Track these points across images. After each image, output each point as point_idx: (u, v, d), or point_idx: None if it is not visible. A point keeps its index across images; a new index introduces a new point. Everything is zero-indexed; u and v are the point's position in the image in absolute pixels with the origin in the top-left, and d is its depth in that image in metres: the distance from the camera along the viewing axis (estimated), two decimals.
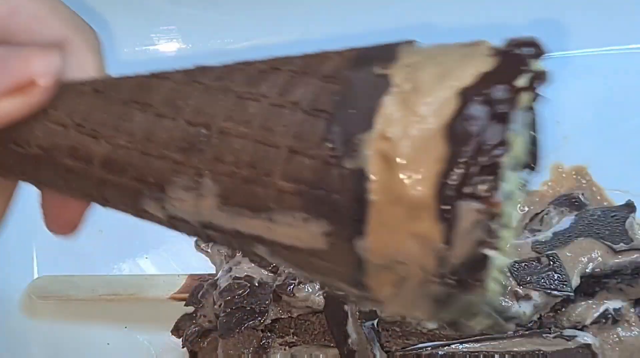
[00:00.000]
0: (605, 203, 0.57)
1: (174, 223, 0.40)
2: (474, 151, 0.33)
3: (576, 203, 0.54)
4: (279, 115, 0.38)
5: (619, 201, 0.55)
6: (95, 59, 0.41)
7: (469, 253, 0.32)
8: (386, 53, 0.40)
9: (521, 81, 0.35)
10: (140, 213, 0.41)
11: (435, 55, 0.38)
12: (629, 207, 0.51)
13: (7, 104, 0.36)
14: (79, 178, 0.41)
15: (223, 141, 0.39)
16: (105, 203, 0.42)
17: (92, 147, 0.41)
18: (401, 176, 0.34)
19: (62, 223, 0.45)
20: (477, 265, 0.32)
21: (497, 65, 0.35)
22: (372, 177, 0.35)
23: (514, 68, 0.35)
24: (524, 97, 0.35)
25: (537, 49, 0.38)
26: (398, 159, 0.35)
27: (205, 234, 0.42)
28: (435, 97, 0.36)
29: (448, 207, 0.33)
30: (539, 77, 0.37)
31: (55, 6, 0.39)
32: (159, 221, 0.41)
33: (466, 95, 0.35)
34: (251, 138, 0.38)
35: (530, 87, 0.35)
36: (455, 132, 0.34)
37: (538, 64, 0.37)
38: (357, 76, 0.38)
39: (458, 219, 0.32)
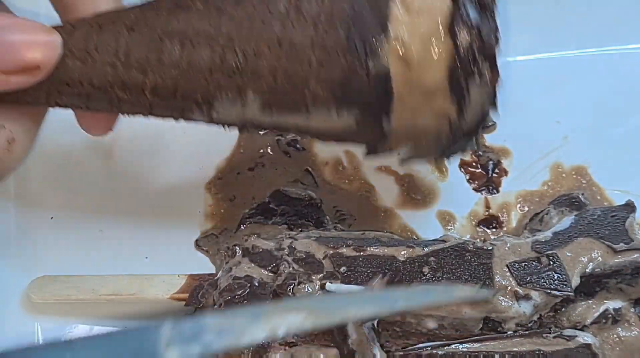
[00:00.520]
0: (605, 203, 0.57)
1: (216, 123, 0.47)
2: (474, 40, 0.43)
3: (576, 203, 0.54)
4: (303, 32, 0.44)
5: (619, 201, 0.55)
6: None
7: (478, 116, 0.44)
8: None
9: None
10: (185, 120, 0.48)
11: None
12: (629, 207, 0.51)
13: (15, 79, 0.41)
14: (131, 104, 0.47)
15: (259, 62, 0.45)
16: (151, 116, 0.48)
17: (141, 80, 0.46)
18: (417, 69, 0.43)
19: (97, 130, 0.50)
20: (482, 122, 0.45)
21: None
22: (393, 73, 0.43)
23: None
24: None
25: None
26: (412, 56, 0.43)
27: (244, 127, 0.48)
28: None
29: (460, 87, 0.43)
30: None
31: None
32: (201, 122, 0.48)
33: None
34: (283, 55, 0.45)
35: None
36: (456, 26, 0.43)
37: None
38: None
39: (469, 93, 0.44)
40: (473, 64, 0.44)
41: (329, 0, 0.45)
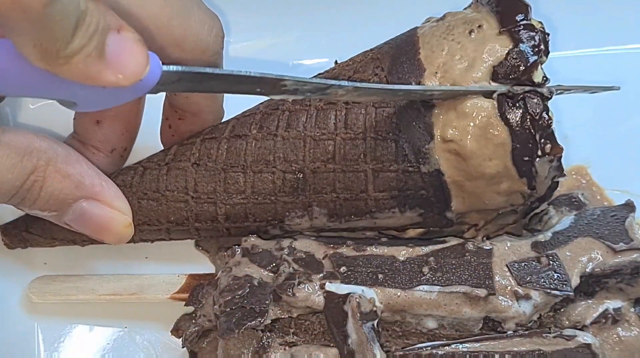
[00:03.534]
0: (605, 203, 0.57)
1: (291, 233, 0.51)
2: (531, 125, 0.45)
3: (576, 203, 0.54)
4: (354, 146, 0.47)
5: (618, 201, 0.55)
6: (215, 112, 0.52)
7: (548, 185, 0.47)
8: (412, 61, 0.48)
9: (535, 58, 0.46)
10: (261, 235, 0.51)
11: (454, 50, 0.47)
12: (629, 207, 0.51)
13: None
14: (208, 231, 0.51)
15: (318, 178, 0.48)
16: (231, 236, 0.52)
17: (213, 210, 0.50)
18: (474, 160, 0.46)
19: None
20: (553, 187, 0.46)
21: (511, 45, 0.46)
22: (445, 169, 0.46)
23: (524, 39, 0.47)
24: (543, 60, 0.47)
25: (526, 9, 0.48)
26: (467, 152, 0.46)
27: (316, 232, 0.52)
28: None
29: (527, 168, 0.46)
30: (544, 35, 0.47)
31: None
32: (279, 236, 0.51)
33: (499, 82, 0.46)
34: (339, 170, 0.48)
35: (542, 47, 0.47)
36: (510, 117, 0.46)
37: (536, 22, 0.47)
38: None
39: (537, 172, 0.46)
40: (533, 144, 0.46)
41: (374, 110, 0.48)
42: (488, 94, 0.46)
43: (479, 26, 0.48)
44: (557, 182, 0.49)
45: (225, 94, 0.53)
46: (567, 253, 0.48)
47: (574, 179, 0.58)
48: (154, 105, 0.53)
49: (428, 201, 0.48)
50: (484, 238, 0.50)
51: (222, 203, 0.50)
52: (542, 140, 0.46)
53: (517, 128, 0.46)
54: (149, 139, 0.54)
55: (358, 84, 0.44)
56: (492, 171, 0.46)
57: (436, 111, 0.47)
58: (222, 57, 0.49)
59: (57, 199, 0.44)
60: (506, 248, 0.48)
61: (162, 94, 0.53)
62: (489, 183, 0.47)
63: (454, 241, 0.49)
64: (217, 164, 0.50)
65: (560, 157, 0.47)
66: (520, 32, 0.47)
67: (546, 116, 0.46)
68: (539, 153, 0.46)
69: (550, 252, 0.48)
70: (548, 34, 0.48)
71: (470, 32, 0.48)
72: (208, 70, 0.40)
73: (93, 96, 0.37)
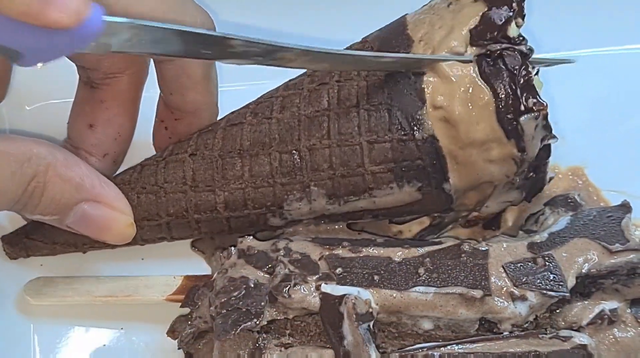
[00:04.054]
0: (601, 204, 0.56)
1: (292, 224, 0.51)
2: (511, 80, 0.46)
3: (572, 204, 0.54)
4: (347, 119, 0.48)
5: (615, 201, 0.55)
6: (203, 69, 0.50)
7: (538, 148, 0.47)
8: (401, 37, 0.49)
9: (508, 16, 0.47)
10: (263, 228, 0.51)
11: (435, 21, 0.48)
12: (625, 207, 0.51)
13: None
14: (209, 224, 0.51)
15: (314, 156, 0.48)
16: (232, 232, 0.52)
17: (212, 198, 0.50)
18: (464, 125, 0.46)
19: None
20: (545, 153, 0.47)
21: (485, 9, 0.48)
22: (439, 135, 0.47)
23: (498, 1, 0.48)
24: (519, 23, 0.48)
25: None
26: (456, 118, 0.46)
27: (318, 221, 0.52)
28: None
29: (513, 127, 0.45)
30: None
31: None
32: (278, 227, 0.51)
33: (477, 43, 0.47)
34: (335, 145, 0.48)
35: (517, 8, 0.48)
36: (490, 76, 0.46)
37: None
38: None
39: (523, 130, 0.46)
40: (515, 100, 0.46)
41: (365, 82, 0.49)
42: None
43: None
44: (549, 146, 0.49)
45: (221, 95, 0.53)
46: (563, 254, 0.48)
47: (571, 180, 0.58)
48: (150, 109, 0.54)
49: (425, 172, 0.48)
50: (480, 239, 0.50)
51: (221, 190, 0.50)
52: (525, 95, 0.46)
53: (498, 85, 0.46)
54: (145, 144, 0.54)
55: (308, 48, 0.44)
56: (481, 135, 0.47)
57: (425, 78, 0.47)
58: None
59: (58, 203, 0.45)
60: (502, 249, 0.48)
61: (157, 97, 0.53)
62: (480, 151, 0.47)
63: (450, 242, 0.49)
64: (213, 152, 0.50)
65: (546, 115, 0.47)
66: None
67: (525, 71, 0.46)
68: (522, 108, 0.46)
69: (546, 253, 0.48)
70: (524, 0, 0.49)
71: (449, 5, 0.49)
72: (153, 23, 0.39)
73: (35, 42, 0.37)
